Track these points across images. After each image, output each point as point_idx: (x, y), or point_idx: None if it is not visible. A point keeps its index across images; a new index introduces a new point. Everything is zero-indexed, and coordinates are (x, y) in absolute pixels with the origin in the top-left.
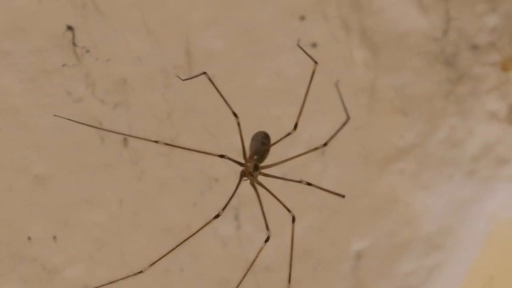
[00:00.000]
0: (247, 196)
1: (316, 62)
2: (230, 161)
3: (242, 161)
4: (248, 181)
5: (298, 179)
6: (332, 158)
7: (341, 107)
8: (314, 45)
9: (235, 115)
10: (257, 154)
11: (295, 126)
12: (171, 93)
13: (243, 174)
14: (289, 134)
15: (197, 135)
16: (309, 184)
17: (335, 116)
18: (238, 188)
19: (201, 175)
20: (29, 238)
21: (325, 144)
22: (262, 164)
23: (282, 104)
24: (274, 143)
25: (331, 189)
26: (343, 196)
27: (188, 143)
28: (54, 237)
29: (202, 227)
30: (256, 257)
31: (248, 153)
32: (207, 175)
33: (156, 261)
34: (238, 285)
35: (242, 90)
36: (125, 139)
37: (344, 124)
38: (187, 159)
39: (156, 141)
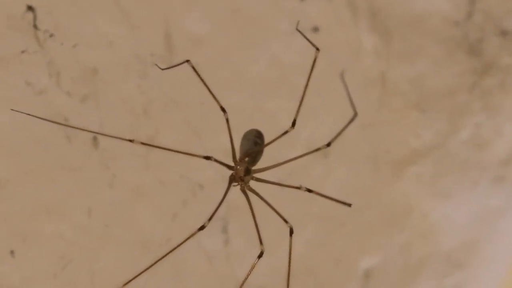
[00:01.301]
0: (237, 205)
1: (317, 49)
2: (217, 164)
3: (232, 164)
4: (239, 187)
5: (296, 185)
6: (336, 160)
7: (347, 102)
8: (315, 29)
9: (223, 110)
10: (248, 156)
11: (293, 123)
12: (149, 84)
13: (232, 179)
14: (286, 132)
15: (179, 133)
16: (309, 190)
17: (340, 112)
18: (227, 196)
19: (183, 180)
20: None
21: (328, 145)
22: (254, 168)
23: (277, 98)
24: (268, 143)
25: (336, 197)
26: (349, 205)
27: (168, 142)
28: (12, 252)
29: (185, 241)
30: (248, 275)
31: (238, 155)
32: (190, 180)
33: (131, 280)
34: None
35: (231, 81)
36: (94, 138)
37: (351, 121)
38: (167, 162)
39: (131, 140)
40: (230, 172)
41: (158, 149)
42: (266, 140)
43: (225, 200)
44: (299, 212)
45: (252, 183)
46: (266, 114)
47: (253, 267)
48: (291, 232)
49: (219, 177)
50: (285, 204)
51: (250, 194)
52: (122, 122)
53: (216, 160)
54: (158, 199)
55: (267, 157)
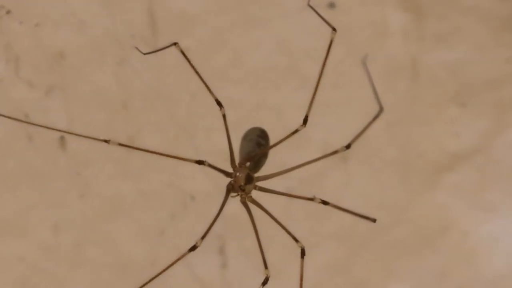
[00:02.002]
0: (237, 220)
1: (334, 30)
2: (212, 170)
3: (230, 170)
4: (238, 198)
5: (309, 196)
6: (357, 166)
7: (370, 94)
8: (331, 5)
9: (219, 104)
10: (250, 160)
11: (305, 121)
12: (128, 73)
13: (230, 189)
14: (296, 131)
15: (165, 133)
16: (324, 203)
17: (361, 106)
18: (224, 209)
19: (170, 190)
20: None
21: (347, 147)
22: (257, 175)
23: (285, 90)
24: (274, 145)
25: (357, 211)
26: (373, 221)
27: (152, 143)
28: None
29: (173, 264)
30: None
31: (238, 159)
32: (179, 190)
33: None
34: None
35: (229, 70)
36: (62, 138)
37: (375, 118)
38: (150, 167)
39: (106, 141)
40: (227, 180)
41: (139, 151)
42: (272, 141)
43: (222, 215)
44: (313, 229)
45: (255, 194)
46: (271, 109)
47: None
48: (303, 253)
49: (214, 187)
50: (295, 219)
51: (252, 207)
52: (95, 118)
53: (210, 165)
54: (140, 213)
55: (273, 161)
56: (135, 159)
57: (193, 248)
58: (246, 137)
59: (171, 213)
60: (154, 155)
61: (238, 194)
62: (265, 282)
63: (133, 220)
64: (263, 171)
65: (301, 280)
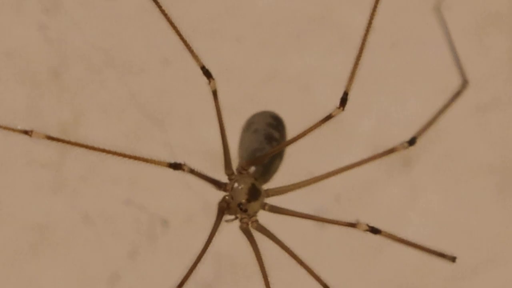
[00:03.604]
0: (235, 261)
1: None
2: (194, 178)
3: (224, 178)
4: (237, 224)
5: (350, 221)
6: (426, 173)
7: (447, 60)
8: None
9: (206, 74)
10: (256, 164)
11: (343, 101)
12: (61, 25)
13: (224, 209)
14: (329, 117)
15: (121, 120)
16: (374, 231)
17: (433, 79)
18: (215, 241)
19: (129, 212)
20: None
21: (411, 143)
22: (267, 186)
23: (311, 52)
24: (294, 139)
25: (425, 244)
26: (452, 260)
27: (100, 136)
28: None
29: None
30: None
31: (236, 161)
32: (143, 212)
33: None
34: None
35: (223, 20)
36: None
37: (455, 98)
38: (97, 175)
39: (26, 132)
40: (220, 194)
41: (79, 149)
42: (290, 133)
43: (211, 250)
44: (356, 272)
45: (264, 217)
46: (289, 82)
47: None
48: None
49: (198, 205)
50: (329, 257)
51: (258, 237)
52: (9, 96)
53: (192, 171)
54: (81, 248)
55: (292, 166)
56: (72, 162)
57: None
58: (250, 126)
59: (130, 248)
60: (104, 155)
61: (236, 218)
62: None
63: (69, 259)
64: (277, 180)
65: None
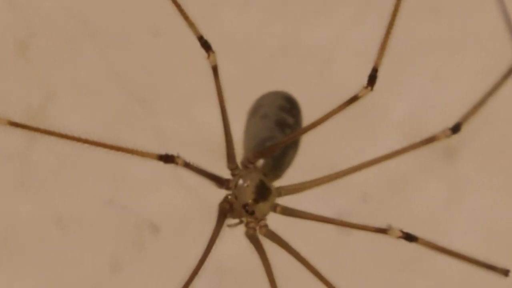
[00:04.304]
0: (240, 273)
1: None
2: (190, 174)
3: (227, 173)
4: (242, 229)
5: (381, 226)
6: (473, 166)
7: (499, 32)
8: None
9: (205, 46)
10: (266, 156)
11: (372, 80)
12: None
13: (227, 211)
14: (355, 99)
15: (102, 101)
16: (410, 238)
17: (480, 56)
18: (216, 250)
19: (113, 215)
20: None
21: (455, 129)
22: (279, 184)
23: (334, 20)
24: (311, 126)
25: (471, 254)
26: (505, 274)
27: (76, 122)
28: None
29: None
30: None
31: (242, 152)
32: (129, 215)
33: None
34: None
35: None
36: None
37: (509, 74)
38: (74, 172)
39: None
40: (221, 193)
41: (52, 139)
42: (307, 119)
43: (211, 261)
44: (390, 283)
45: (274, 221)
46: (307, 56)
47: None
48: None
49: (194, 207)
50: (352, 268)
51: (268, 245)
52: None
53: (187, 165)
54: (50, 257)
55: (310, 158)
56: (41, 153)
57: None
58: (258, 110)
59: (112, 260)
60: (80, 145)
61: (241, 222)
62: None
63: (36, 273)
64: (290, 176)
65: None
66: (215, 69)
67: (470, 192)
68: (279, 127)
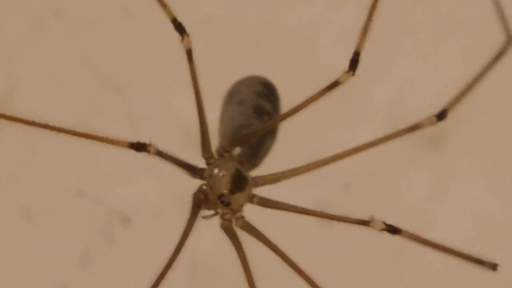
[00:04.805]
0: (215, 268)
1: None
2: (163, 163)
3: (201, 162)
4: (217, 220)
5: (363, 218)
6: (460, 155)
7: (486, 13)
8: None
9: (178, 28)
10: (242, 143)
11: (354, 64)
12: None
13: (201, 202)
14: (336, 85)
15: (70, 85)
16: (393, 230)
17: (468, 36)
18: (191, 244)
19: (83, 206)
20: None
21: (440, 116)
22: (256, 173)
23: (310, 1)
24: (290, 113)
25: (458, 247)
26: (492, 268)
27: (44, 108)
28: None
29: None
30: None
31: (217, 140)
32: (99, 206)
33: None
34: None
35: None
36: None
37: (498, 58)
38: (42, 156)
39: None
40: (195, 183)
41: (17, 124)
42: (285, 105)
43: (184, 256)
44: (368, 281)
45: (251, 212)
46: (283, 39)
47: None
48: None
49: (167, 198)
50: (333, 261)
51: (244, 236)
52: None
53: (159, 153)
54: (17, 250)
55: (289, 146)
56: (8, 141)
57: None
58: (235, 96)
59: (82, 253)
60: (48, 132)
61: (216, 213)
62: None
63: (3, 266)
64: (268, 165)
65: None
66: (189, 53)
67: (456, 182)
68: (256, 114)
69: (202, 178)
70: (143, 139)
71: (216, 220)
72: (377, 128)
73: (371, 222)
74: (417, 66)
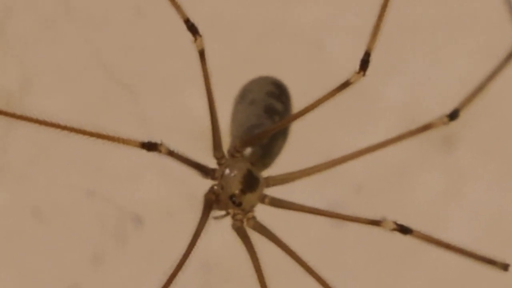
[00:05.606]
0: (226, 269)
1: None
2: (174, 163)
3: (213, 162)
4: (229, 221)
5: (374, 218)
6: (472, 155)
7: (499, 11)
8: None
9: (191, 29)
10: (254, 144)
11: (364, 64)
12: None
13: (212, 203)
14: (346, 85)
15: (81, 84)
16: (404, 230)
17: (478, 35)
18: (202, 244)
19: (94, 207)
20: None
21: (452, 116)
22: (268, 174)
23: (320, 0)
24: (301, 113)
25: (470, 248)
26: (504, 269)
27: (55, 107)
28: None
29: None
30: None
31: (228, 140)
32: (111, 207)
33: None
34: None
35: None
36: None
37: (509, 59)
38: (52, 156)
39: None
40: (207, 184)
41: (28, 123)
42: (297, 105)
43: (196, 256)
44: (379, 281)
45: (262, 212)
46: (294, 40)
47: None
48: None
49: (179, 198)
50: (344, 262)
51: (256, 237)
52: None
53: (171, 153)
54: (28, 250)
55: (300, 146)
56: (19, 140)
57: None
58: (246, 96)
59: (93, 252)
60: (59, 131)
61: (228, 213)
62: None
63: (14, 266)
64: (280, 166)
65: None
66: (202, 54)
67: (468, 182)
68: (267, 114)
69: (213, 178)
70: (154, 138)
71: (228, 221)
72: (388, 128)
73: (382, 222)
74: (428, 66)
